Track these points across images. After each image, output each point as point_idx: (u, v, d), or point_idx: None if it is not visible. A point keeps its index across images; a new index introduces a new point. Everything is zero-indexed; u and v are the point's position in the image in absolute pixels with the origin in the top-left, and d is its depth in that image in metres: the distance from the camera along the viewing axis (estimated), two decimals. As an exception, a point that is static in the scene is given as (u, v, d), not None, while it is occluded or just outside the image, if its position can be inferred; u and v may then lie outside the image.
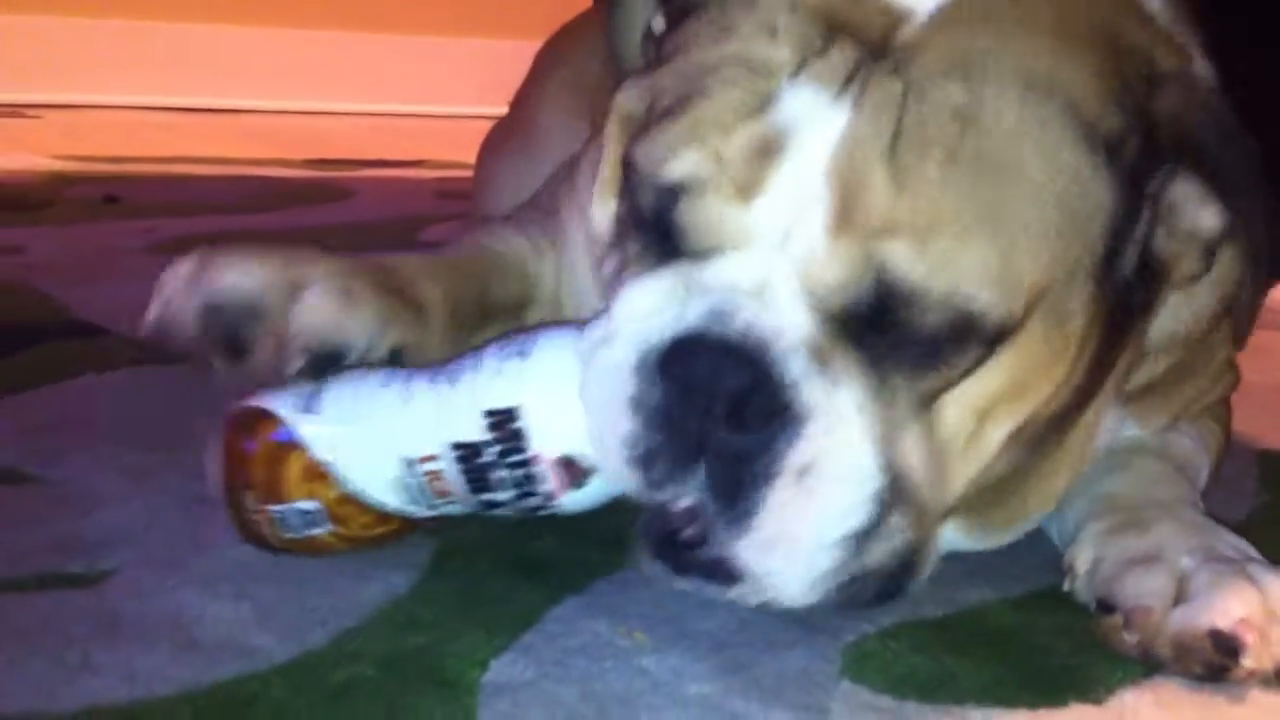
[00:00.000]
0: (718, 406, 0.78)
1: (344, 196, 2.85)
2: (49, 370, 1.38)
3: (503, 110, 1.91)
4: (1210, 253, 0.88)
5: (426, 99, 4.82)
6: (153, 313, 0.97)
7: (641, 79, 0.94)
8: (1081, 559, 0.96)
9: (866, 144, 0.79)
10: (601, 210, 0.99)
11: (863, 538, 0.81)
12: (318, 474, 0.91)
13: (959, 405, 0.83)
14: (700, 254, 0.83)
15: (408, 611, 0.90)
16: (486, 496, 0.90)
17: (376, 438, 0.90)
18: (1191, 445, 1.10)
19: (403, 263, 1.07)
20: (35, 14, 4.29)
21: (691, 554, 0.83)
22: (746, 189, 0.81)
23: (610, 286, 0.91)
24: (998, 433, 0.85)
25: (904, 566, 0.85)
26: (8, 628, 0.86)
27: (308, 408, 0.92)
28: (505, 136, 1.71)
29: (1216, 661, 0.84)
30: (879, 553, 0.82)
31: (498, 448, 0.88)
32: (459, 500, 0.91)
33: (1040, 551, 1.03)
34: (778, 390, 0.78)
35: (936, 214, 0.78)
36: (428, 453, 0.89)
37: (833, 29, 0.82)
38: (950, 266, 0.78)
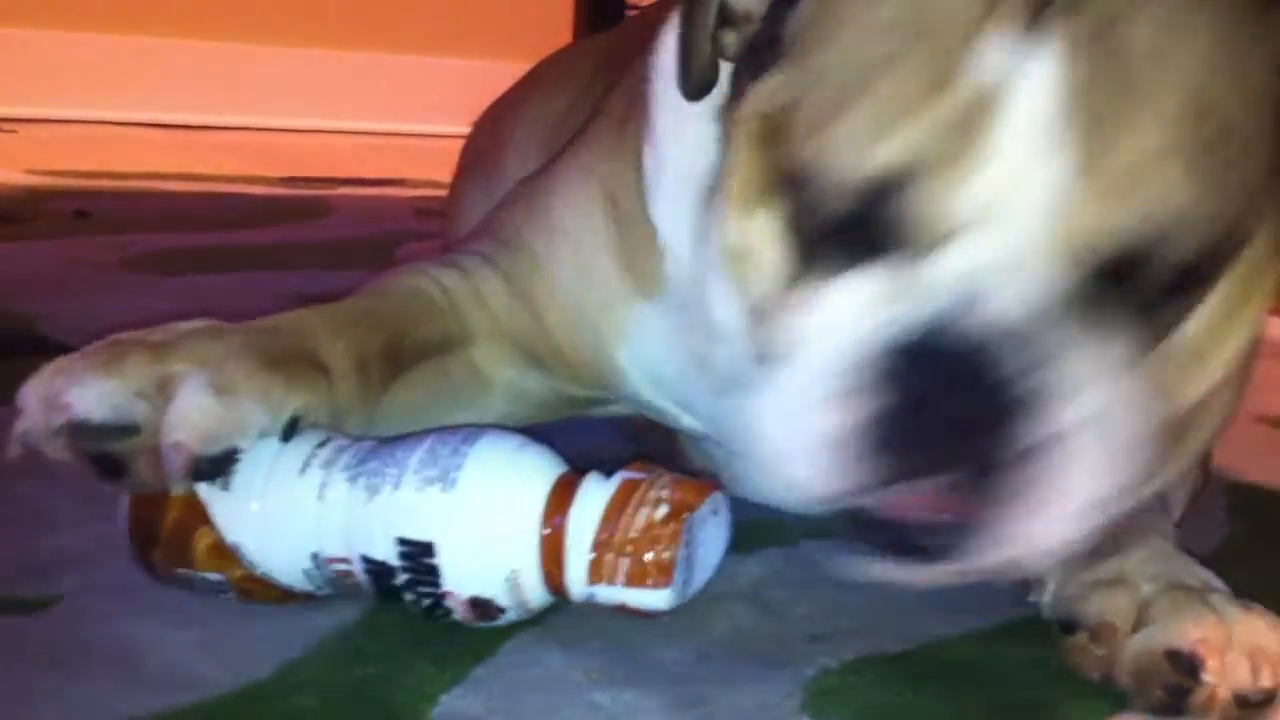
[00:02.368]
0: (984, 403, 0.71)
1: (321, 214, 2.83)
2: (9, 387, 1.36)
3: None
4: None
5: (406, 118, 4.81)
6: (17, 434, 0.87)
7: (768, 77, 0.84)
8: (1049, 576, 0.94)
9: (1082, 88, 0.72)
10: (743, 225, 0.86)
11: (1129, 489, 0.77)
12: (225, 553, 0.88)
13: (1196, 340, 0.80)
14: (924, 248, 0.74)
15: (357, 643, 0.88)
16: (399, 602, 0.88)
17: (286, 530, 0.87)
18: (1172, 485, 1.09)
19: (296, 320, 0.99)
20: (10, 27, 4.27)
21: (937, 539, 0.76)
22: (965, 166, 0.73)
23: (771, 309, 0.82)
24: (1215, 372, 0.83)
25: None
26: (-51, 655, 0.84)
27: (219, 480, 0.88)
28: (470, 167, 1.69)
29: (1175, 681, 0.83)
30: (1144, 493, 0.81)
31: (408, 576, 0.85)
32: (370, 595, 0.89)
33: (1003, 583, 1.02)
34: (1042, 369, 0.72)
35: (1171, 149, 0.73)
36: (338, 555, 0.86)
37: None
38: (1209, 197, 0.74)
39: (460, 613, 0.86)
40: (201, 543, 0.89)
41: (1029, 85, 0.72)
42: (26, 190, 2.79)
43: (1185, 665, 0.83)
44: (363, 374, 0.99)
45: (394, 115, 4.80)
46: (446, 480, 0.85)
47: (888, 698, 0.86)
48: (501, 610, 0.86)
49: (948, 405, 0.72)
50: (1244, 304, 0.83)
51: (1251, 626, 0.85)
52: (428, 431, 0.90)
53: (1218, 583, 0.92)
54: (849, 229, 0.77)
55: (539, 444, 0.89)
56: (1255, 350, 1.08)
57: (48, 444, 0.86)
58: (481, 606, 0.85)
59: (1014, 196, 0.73)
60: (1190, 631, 0.84)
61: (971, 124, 0.72)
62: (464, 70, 4.81)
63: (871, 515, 0.78)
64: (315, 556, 0.88)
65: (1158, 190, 0.73)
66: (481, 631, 0.89)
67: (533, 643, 0.89)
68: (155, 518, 0.90)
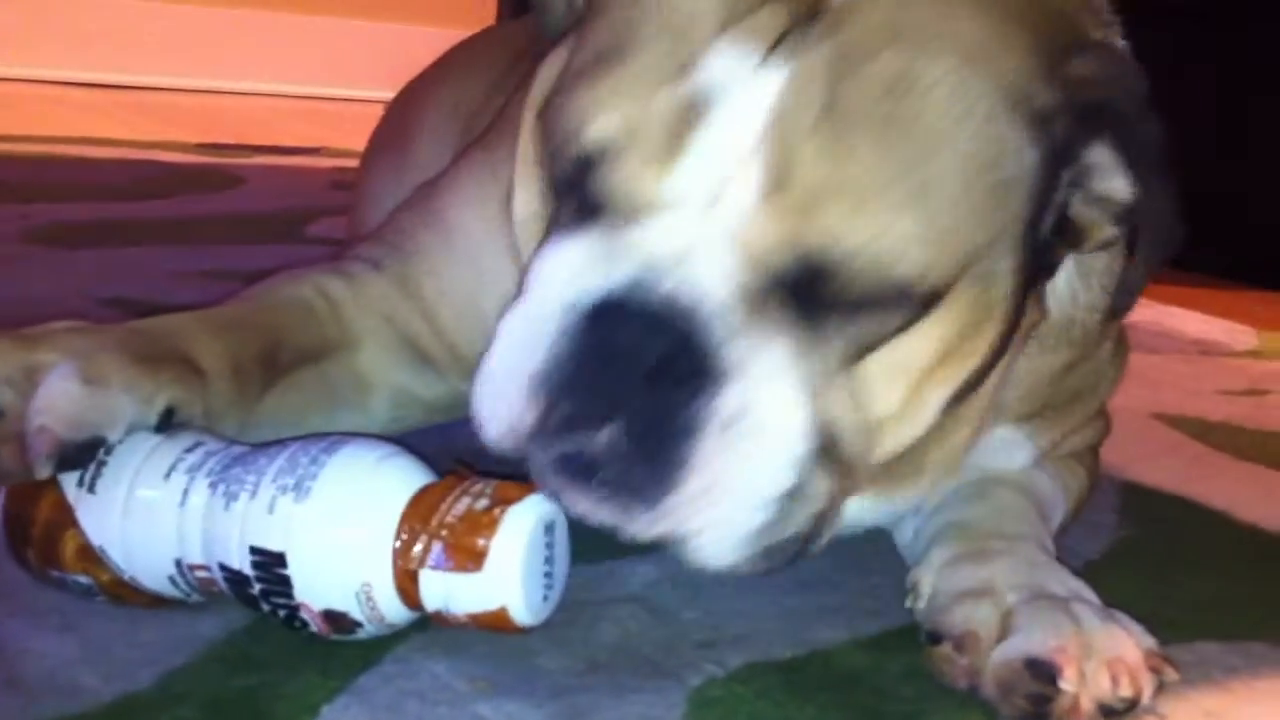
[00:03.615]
0: (641, 368, 0.77)
1: (233, 184, 2.79)
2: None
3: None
4: (1120, 220, 0.89)
5: (327, 82, 4.75)
6: None
7: (557, 53, 0.91)
8: (923, 584, 0.97)
9: (798, 110, 0.78)
10: (524, 195, 0.96)
11: (789, 498, 0.81)
12: (92, 556, 0.87)
13: (891, 367, 0.84)
14: (621, 220, 0.81)
15: (242, 649, 0.87)
16: (260, 612, 0.87)
17: (150, 536, 0.86)
18: (1050, 483, 1.11)
19: (172, 322, 1.00)
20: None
21: (610, 478, 0.80)
22: (669, 152, 0.79)
23: (520, 269, 0.89)
24: (934, 401, 0.87)
25: (815, 530, 0.85)
26: None
27: (84, 482, 0.87)
28: (382, 147, 1.67)
29: (1035, 690, 0.85)
30: (801, 514, 0.83)
31: (262, 586, 0.84)
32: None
33: (897, 582, 1.03)
34: (705, 350, 0.78)
35: (868, 182, 0.78)
36: (199, 562, 0.86)
37: None
38: (881, 234, 0.78)
39: (316, 625, 0.85)
40: (69, 545, 0.88)
41: (745, 95, 0.78)
42: (-78, 154, 2.72)
43: (1044, 674, 0.85)
44: (238, 376, 0.99)
45: (314, 78, 4.73)
46: (300, 489, 0.84)
47: (768, 708, 0.87)
48: (357, 624, 0.85)
49: (613, 364, 0.78)
50: (949, 364, 0.86)
51: (1111, 636, 0.87)
52: (295, 439, 0.89)
53: (1086, 592, 0.95)
54: (571, 196, 0.83)
55: (408, 455, 0.88)
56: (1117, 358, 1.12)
57: None
58: (336, 620, 0.84)
59: (702, 192, 0.79)
60: (1049, 641, 0.86)
61: (686, 118, 0.79)
62: (386, 34, 4.76)
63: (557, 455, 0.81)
64: (178, 563, 0.87)
65: (838, 220, 0.77)
66: (363, 641, 0.88)
67: (421, 649, 0.89)
68: (27, 517, 0.89)
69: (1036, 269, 0.90)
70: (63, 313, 1.58)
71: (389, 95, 1.89)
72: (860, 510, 0.96)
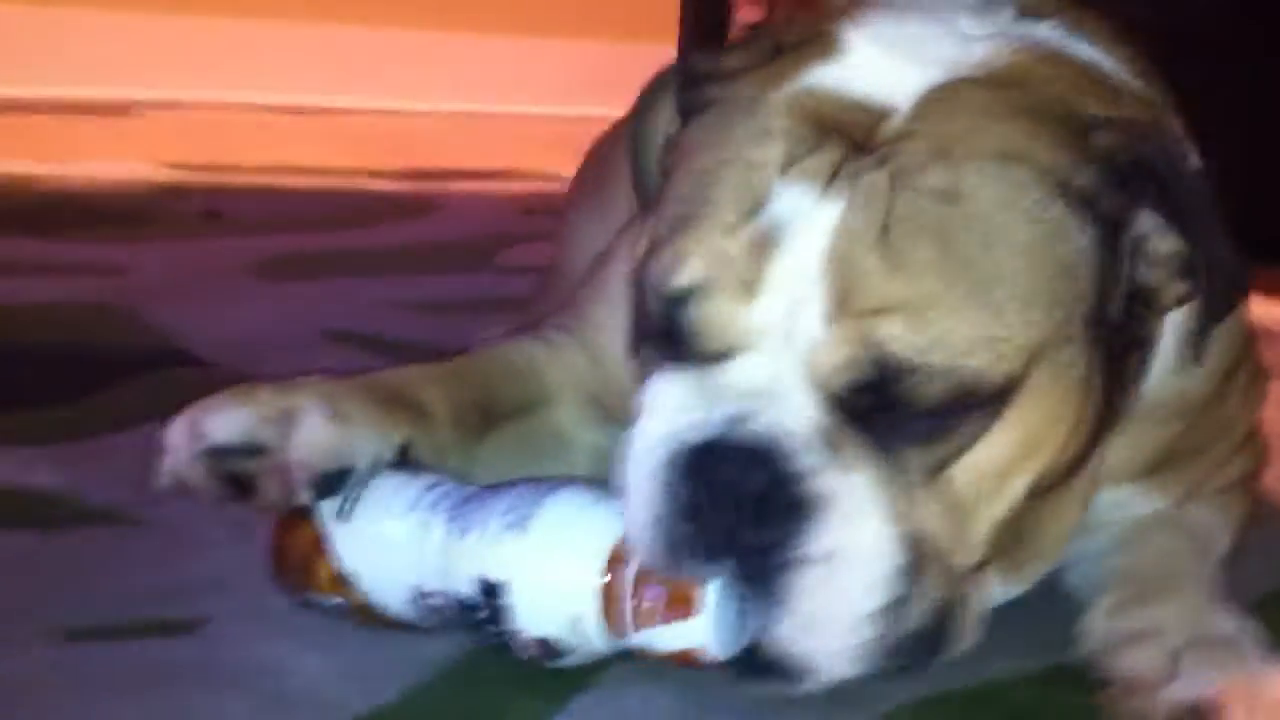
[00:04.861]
0: (742, 507, 0.85)
1: (429, 210, 2.96)
2: (148, 405, 1.47)
3: (586, 111, 1.92)
4: (1185, 274, 0.93)
5: (513, 99, 4.91)
6: (164, 472, 1.02)
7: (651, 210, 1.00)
8: (1092, 629, 1.02)
9: (857, 232, 0.85)
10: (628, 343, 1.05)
11: (894, 608, 0.88)
12: (343, 580, 0.99)
13: (977, 469, 0.89)
14: (713, 355, 0.89)
15: (470, 669, 0.98)
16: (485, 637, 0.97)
17: (393, 565, 0.98)
18: (1211, 519, 1.15)
19: (398, 374, 1.14)
20: (141, 12, 4.44)
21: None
22: (749, 287, 0.87)
23: (636, 390, 0.97)
24: (1018, 486, 0.91)
25: (941, 626, 0.91)
26: (112, 672, 0.95)
27: (342, 513, 1.00)
28: (584, 189, 1.77)
29: None
30: (913, 618, 0.89)
31: (486, 612, 0.94)
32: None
33: (1066, 618, 1.08)
34: (795, 485, 0.85)
35: (928, 290, 0.85)
36: (435, 589, 0.97)
37: (823, 129, 0.89)
38: (945, 338, 0.84)
39: (531, 650, 0.95)
40: (324, 570, 1.01)
41: (808, 227, 0.86)
42: (156, 187, 2.94)
43: (1210, 718, 0.90)
44: (459, 420, 1.12)
45: (500, 96, 4.90)
46: (522, 526, 0.95)
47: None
48: (568, 650, 0.95)
49: (716, 506, 0.87)
50: (1031, 454, 0.90)
51: (1276, 679, 0.92)
52: (523, 480, 1.01)
53: (1253, 631, 0.99)
54: (667, 336, 0.91)
55: (616, 500, 0.97)
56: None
57: (190, 470, 1.01)
58: (548, 645, 0.95)
59: (780, 324, 0.86)
60: (1215, 685, 0.91)
61: (759, 256, 0.86)
62: (569, 50, 4.90)
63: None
64: (418, 590, 0.98)
65: (902, 329, 0.84)
66: (583, 670, 0.98)
67: (625, 676, 0.98)
68: (287, 544, 1.02)
69: (1122, 346, 0.94)
70: (292, 347, 1.76)
71: (572, 110, 1.98)
72: (995, 596, 1.00)
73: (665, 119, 1.04)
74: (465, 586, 0.96)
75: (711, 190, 0.90)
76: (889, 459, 0.87)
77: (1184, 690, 0.92)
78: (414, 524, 0.99)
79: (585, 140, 1.80)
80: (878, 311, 0.85)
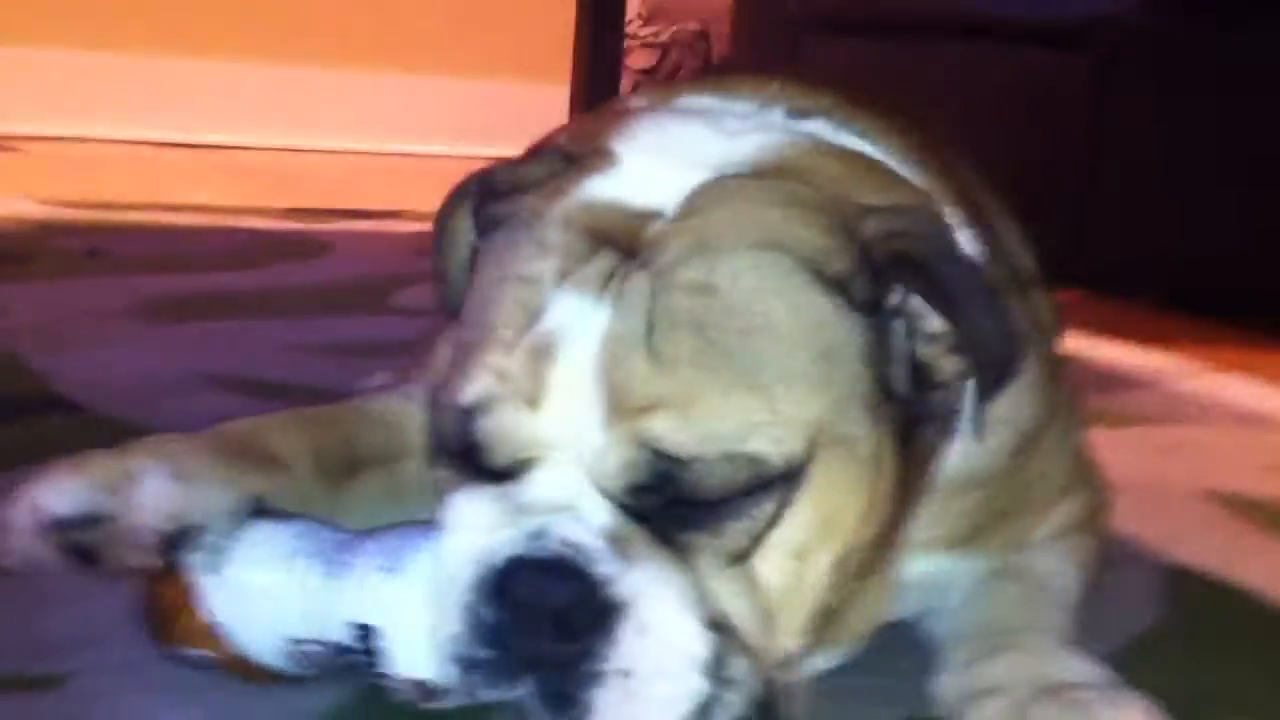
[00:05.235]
0: (543, 624, 0.86)
1: (321, 251, 2.94)
2: (22, 451, 1.44)
3: (478, 150, 1.92)
4: (959, 351, 0.95)
5: (405, 138, 4.90)
6: (8, 551, 0.99)
7: (451, 329, 1.02)
8: (944, 690, 1.04)
9: (624, 335, 0.87)
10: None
11: (706, 707, 0.87)
12: (213, 632, 0.98)
13: (777, 554, 0.90)
14: (505, 468, 0.90)
15: (346, 718, 0.98)
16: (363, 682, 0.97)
17: (266, 615, 0.97)
18: (1055, 565, 1.17)
19: (251, 424, 1.13)
20: (21, 46, 4.36)
21: None
22: (531, 399, 0.89)
23: (438, 499, 0.97)
24: (820, 567, 0.92)
25: (767, 711, 0.91)
26: (-24, 732, 0.93)
27: (209, 564, 0.98)
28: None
29: None
30: (731, 705, 0.88)
31: (363, 657, 0.95)
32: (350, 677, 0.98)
33: (927, 671, 1.09)
34: (592, 596, 0.86)
35: (694, 383, 0.86)
36: (309, 637, 0.96)
37: (595, 239, 0.91)
38: (715, 428, 0.86)
39: (409, 692, 0.95)
40: (194, 622, 0.99)
41: (582, 334, 0.88)
42: (37, 225, 2.88)
43: None
44: (321, 467, 1.12)
45: (390, 135, 4.89)
46: (394, 570, 0.95)
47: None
48: (445, 693, 0.94)
49: (516, 624, 0.87)
50: (829, 532, 0.92)
51: None
52: (398, 525, 1.01)
53: (1098, 674, 1.01)
54: (461, 452, 0.93)
55: None
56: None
57: (34, 547, 0.99)
58: (426, 687, 0.94)
59: (564, 432, 0.88)
60: None
61: (536, 371, 0.89)
62: (461, 90, 4.91)
63: None
64: (290, 638, 0.97)
65: (675, 422, 0.86)
66: (467, 711, 0.97)
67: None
68: (158, 598, 1.01)
69: (912, 422, 0.96)
70: (174, 392, 1.74)
71: (465, 150, 1.98)
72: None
73: (466, 223, 1.05)
74: (339, 632, 0.96)
75: (493, 309, 0.92)
76: (684, 552, 0.88)
77: None
78: (284, 572, 0.98)
79: None
80: (646, 410, 0.86)
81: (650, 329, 0.87)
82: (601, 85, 4.33)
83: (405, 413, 1.23)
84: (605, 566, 0.86)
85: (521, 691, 0.88)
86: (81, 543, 0.98)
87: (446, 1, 5.02)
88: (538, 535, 0.88)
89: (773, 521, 0.89)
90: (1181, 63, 3.09)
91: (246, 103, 4.68)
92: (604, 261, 0.91)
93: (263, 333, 2.16)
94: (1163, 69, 3.13)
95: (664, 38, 5.50)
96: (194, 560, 0.99)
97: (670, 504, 0.88)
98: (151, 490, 1.00)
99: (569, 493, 0.89)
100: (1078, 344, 2.52)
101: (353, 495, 1.15)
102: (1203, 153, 3.02)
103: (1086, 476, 1.27)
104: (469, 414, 0.91)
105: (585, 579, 0.86)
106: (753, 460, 0.87)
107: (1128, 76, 3.19)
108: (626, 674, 0.86)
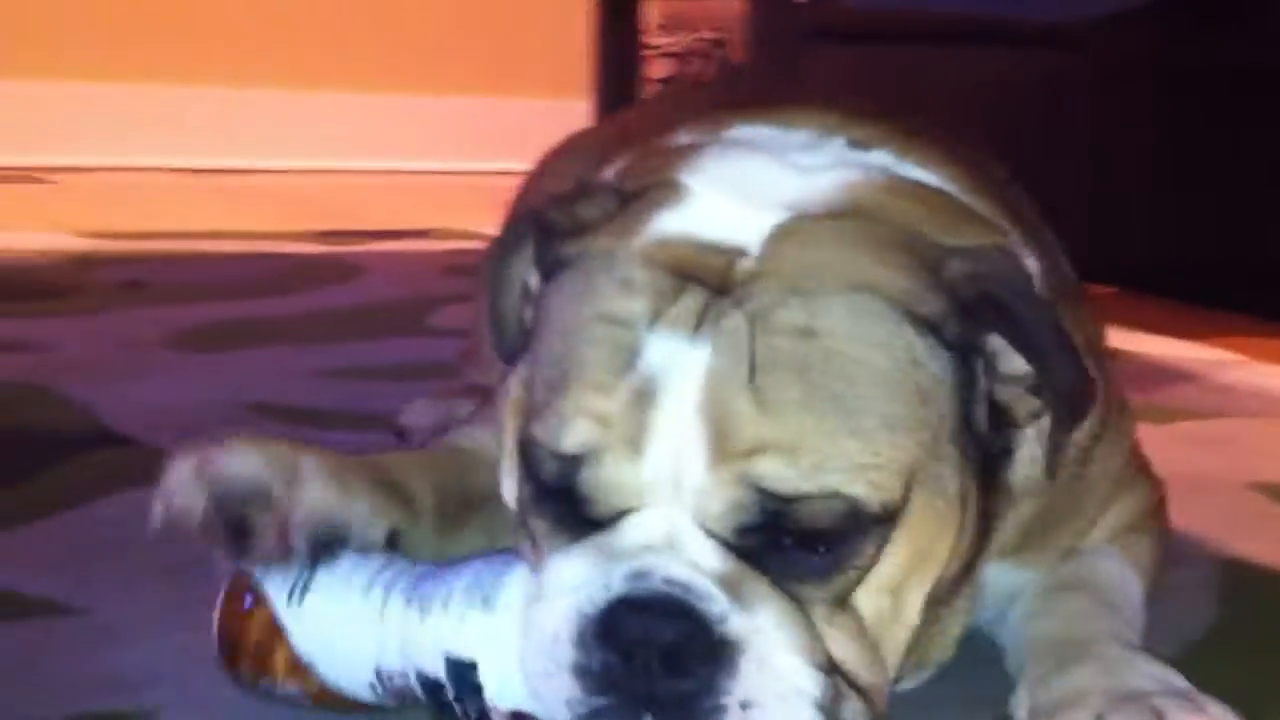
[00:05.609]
0: (654, 662, 0.85)
1: (354, 275, 2.96)
2: (78, 488, 1.47)
3: (504, 166, 1.90)
4: (1036, 391, 0.96)
5: (426, 156, 4.93)
6: (158, 508, 1.00)
7: (521, 367, 1.02)
8: (1020, 708, 1.04)
9: (725, 377, 0.87)
10: (509, 483, 1.05)
11: None
12: (301, 667, 0.99)
13: (874, 591, 0.91)
14: (610, 515, 0.90)
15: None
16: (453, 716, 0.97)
17: (352, 646, 0.98)
18: (1115, 568, 1.18)
19: (390, 459, 1.14)
20: (51, 80, 4.40)
21: None
22: (634, 444, 0.88)
23: (528, 554, 0.97)
24: (914, 602, 0.93)
25: None
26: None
27: (294, 597, 0.99)
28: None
29: None
30: None
31: (455, 690, 0.95)
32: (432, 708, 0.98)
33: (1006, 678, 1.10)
34: (705, 633, 0.86)
35: (798, 425, 0.87)
36: (398, 669, 0.97)
37: (682, 275, 0.91)
38: (821, 469, 0.86)
39: None
40: (281, 655, 1.00)
41: (682, 376, 0.88)
42: (75, 258, 2.90)
43: None
44: (442, 512, 1.12)
45: (417, 154, 4.92)
46: (486, 603, 0.96)
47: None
48: None
49: (629, 666, 0.86)
50: (921, 569, 0.93)
51: None
52: (475, 558, 1.01)
53: (1172, 677, 1.01)
54: (562, 499, 0.92)
55: None
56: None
57: (191, 506, 0.99)
58: (522, 718, 0.95)
59: (665, 480, 0.88)
60: None
61: (638, 415, 0.88)
62: (484, 107, 4.93)
63: None
64: (378, 671, 0.98)
65: (779, 466, 0.86)
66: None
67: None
68: (240, 632, 1.01)
69: (987, 458, 0.98)
70: (218, 422, 1.75)
71: (491, 166, 1.99)
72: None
73: (524, 266, 1.05)
74: (430, 666, 0.96)
75: (583, 349, 0.91)
76: (790, 596, 0.88)
77: None
78: (371, 605, 0.99)
79: (504, 196, 1.80)
80: (752, 453, 0.86)
81: (752, 371, 0.87)
82: (621, 97, 4.36)
83: (492, 449, 1.22)
84: (716, 605, 0.86)
85: None
86: (239, 515, 0.99)
87: (464, 22, 5.04)
88: (640, 575, 0.87)
89: (873, 561, 0.90)
90: (1184, 63, 3.09)
91: (272, 128, 4.71)
92: (694, 299, 0.90)
93: (301, 359, 2.17)
94: (1165, 69, 3.13)
95: (681, 47, 5.51)
96: (278, 591, 1.00)
97: (775, 547, 0.88)
98: (317, 487, 1.01)
99: (674, 533, 0.88)
100: (1116, 338, 2.52)
101: (462, 537, 1.15)
102: (1206, 152, 3.01)
103: (1139, 475, 1.27)
104: (573, 462, 0.89)
105: (694, 616, 0.86)
106: (854, 503, 0.87)
107: (1131, 78, 3.19)
108: (747, 705, 0.86)
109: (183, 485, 0.99)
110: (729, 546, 0.88)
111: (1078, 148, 3.28)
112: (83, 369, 2.02)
